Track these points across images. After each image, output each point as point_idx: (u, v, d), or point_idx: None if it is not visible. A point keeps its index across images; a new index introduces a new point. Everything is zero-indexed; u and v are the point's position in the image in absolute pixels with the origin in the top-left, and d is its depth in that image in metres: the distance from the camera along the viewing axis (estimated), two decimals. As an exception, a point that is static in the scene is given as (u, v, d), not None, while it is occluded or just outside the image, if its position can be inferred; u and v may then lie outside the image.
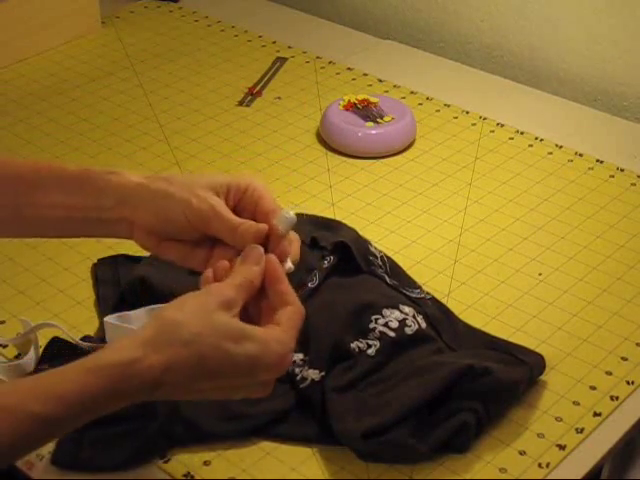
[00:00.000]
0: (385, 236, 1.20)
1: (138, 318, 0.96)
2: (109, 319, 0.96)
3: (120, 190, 0.82)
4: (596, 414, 0.96)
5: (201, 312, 0.73)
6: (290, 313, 0.76)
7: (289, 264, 0.80)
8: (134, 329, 0.86)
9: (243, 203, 0.82)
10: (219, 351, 0.72)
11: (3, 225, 0.86)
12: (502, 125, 1.43)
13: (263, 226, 0.79)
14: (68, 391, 0.69)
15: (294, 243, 0.81)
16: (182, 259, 0.83)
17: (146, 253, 1.13)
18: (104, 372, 0.70)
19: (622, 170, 1.33)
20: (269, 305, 0.78)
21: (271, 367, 0.74)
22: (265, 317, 0.78)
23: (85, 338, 1.01)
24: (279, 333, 0.75)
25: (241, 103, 1.49)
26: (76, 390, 0.69)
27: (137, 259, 1.13)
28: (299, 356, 0.97)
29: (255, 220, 0.81)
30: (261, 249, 0.79)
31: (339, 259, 1.06)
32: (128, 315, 0.96)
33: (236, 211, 0.82)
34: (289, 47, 1.65)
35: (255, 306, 0.78)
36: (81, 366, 0.70)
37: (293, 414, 0.94)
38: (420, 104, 1.48)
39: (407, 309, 1.00)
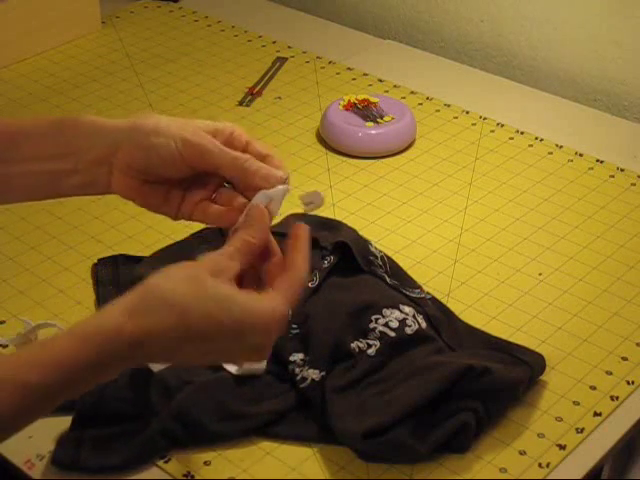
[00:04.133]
0: (385, 236, 1.20)
1: None
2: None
3: (103, 131, 0.81)
4: (596, 414, 0.96)
5: (188, 279, 0.72)
6: (288, 278, 0.76)
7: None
8: None
9: (230, 147, 0.82)
10: (203, 314, 0.72)
11: None
12: (502, 125, 1.43)
13: (274, 171, 0.80)
14: (60, 358, 0.70)
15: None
16: (158, 205, 0.83)
17: (146, 253, 1.14)
18: (90, 338, 0.70)
19: (622, 170, 1.33)
20: (274, 266, 0.78)
21: (258, 331, 0.73)
22: (269, 280, 0.77)
23: (85, 338, 1.01)
24: (269, 299, 0.74)
25: (241, 103, 1.49)
26: (67, 357, 0.70)
27: (137, 259, 1.13)
28: (299, 356, 0.97)
29: None
30: (264, 209, 0.78)
31: (339, 259, 1.06)
32: None
33: None
34: (289, 47, 1.65)
35: (262, 266, 0.78)
36: (69, 334, 0.71)
37: (293, 414, 0.94)
38: (420, 104, 1.48)
39: (407, 309, 1.00)
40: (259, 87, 1.53)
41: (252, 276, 0.78)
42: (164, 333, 0.71)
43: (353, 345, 0.97)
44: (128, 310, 0.71)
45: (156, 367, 0.94)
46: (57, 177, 0.83)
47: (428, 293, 1.08)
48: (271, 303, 0.74)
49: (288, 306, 0.75)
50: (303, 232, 0.79)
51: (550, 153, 1.37)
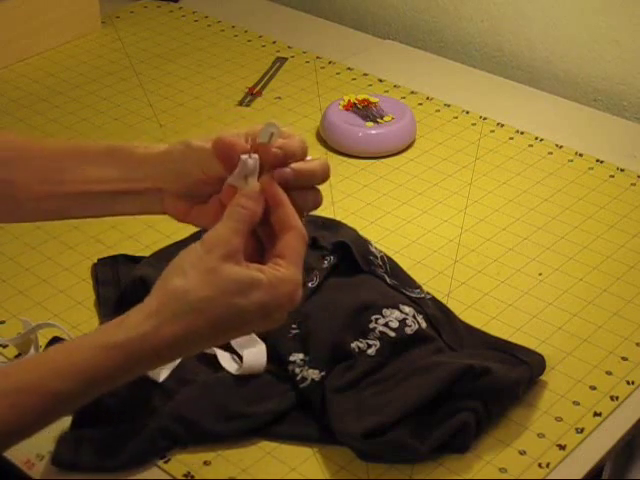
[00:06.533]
0: (385, 236, 1.20)
1: None
2: None
3: (147, 160, 0.83)
4: (596, 414, 0.96)
5: (204, 273, 0.72)
6: (291, 240, 0.75)
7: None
8: None
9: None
10: (230, 309, 0.72)
11: (37, 203, 0.86)
12: (502, 125, 1.43)
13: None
14: (86, 368, 0.70)
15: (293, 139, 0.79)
16: (212, 223, 0.81)
17: (146, 253, 1.14)
18: (119, 349, 0.71)
19: (622, 170, 1.33)
20: (273, 229, 0.77)
21: (283, 306, 0.74)
22: (271, 242, 0.76)
23: (85, 338, 1.01)
24: (284, 271, 0.74)
25: (241, 103, 1.49)
26: (93, 367, 0.70)
27: (137, 259, 1.13)
28: (299, 356, 0.97)
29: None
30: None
31: (339, 259, 1.06)
32: None
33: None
34: (289, 47, 1.65)
35: (263, 229, 0.77)
36: (94, 344, 0.71)
37: (293, 414, 0.94)
38: (420, 104, 1.48)
39: (407, 309, 1.00)
40: (259, 87, 1.53)
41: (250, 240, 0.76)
42: (194, 335, 0.72)
43: (353, 345, 0.96)
44: (152, 315, 0.71)
45: (161, 376, 0.94)
46: (113, 200, 0.84)
47: (428, 293, 1.07)
48: (287, 276, 0.73)
49: (300, 271, 0.74)
50: (274, 187, 0.76)
51: (550, 153, 1.37)
